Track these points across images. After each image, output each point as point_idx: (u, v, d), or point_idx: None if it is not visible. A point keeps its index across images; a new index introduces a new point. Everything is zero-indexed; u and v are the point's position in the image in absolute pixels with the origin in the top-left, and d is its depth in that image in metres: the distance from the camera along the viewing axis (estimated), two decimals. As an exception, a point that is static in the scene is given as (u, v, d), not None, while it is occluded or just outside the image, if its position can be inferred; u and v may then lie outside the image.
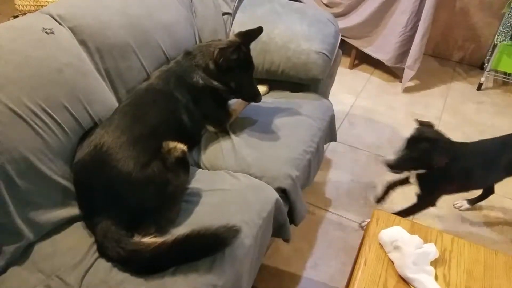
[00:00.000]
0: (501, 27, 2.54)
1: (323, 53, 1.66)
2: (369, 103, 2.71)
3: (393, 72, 2.92)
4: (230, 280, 1.08)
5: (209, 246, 1.07)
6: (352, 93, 2.80)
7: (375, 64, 2.94)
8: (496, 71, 2.83)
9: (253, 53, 1.63)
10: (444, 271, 1.09)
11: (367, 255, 1.13)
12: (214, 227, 1.06)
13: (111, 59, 1.37)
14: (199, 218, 1.19)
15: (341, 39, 2.83)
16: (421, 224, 1.22)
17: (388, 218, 1.24)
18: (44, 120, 1.14)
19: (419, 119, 1.57)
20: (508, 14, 2.47)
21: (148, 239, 1.08)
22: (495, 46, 2.66)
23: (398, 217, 1.24)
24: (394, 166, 1.45)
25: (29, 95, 1.12)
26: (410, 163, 1.46)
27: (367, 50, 2.82)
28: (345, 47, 3.00)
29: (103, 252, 1.08)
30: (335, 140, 1.92)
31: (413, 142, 1.44)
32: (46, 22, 1.27)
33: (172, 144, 1.23)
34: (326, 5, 2.83)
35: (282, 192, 1.38)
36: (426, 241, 1.14)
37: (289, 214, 1.48)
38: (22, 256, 1.08)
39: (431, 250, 1.10)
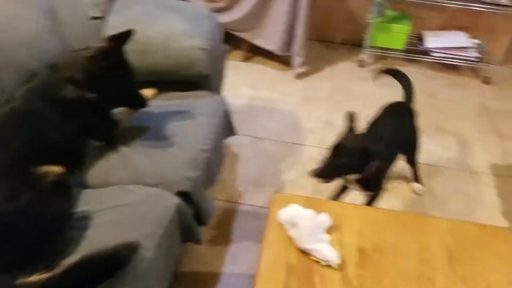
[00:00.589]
0: (372, 7, 2.78)
1: (206, 48, 1.64)
2: (266, 93, 2.79)
3: (284, 61, 3.03)
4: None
5: (104, 269, 1.00)
6: (249, 85, 2.86)
7: (267, 54, 3.01)
8: (374, 47, 3.10)
9: (133, 56, 1.55)
10: (338, 236, 1.16)
11: (269, 237, 1.17)
12: (107, 248, 1.00)
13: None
14: (92, 243, 1.10)
15: (230, 33, 2.91)
16: (314, 197, 1.29)
17: (285, 198, 1.28)
18: None
19: (349, 111, 1.54)
20: (376, -6, 2.72)
21: (34, 277, 0.96)
22: (369, 24, 2.91)
23: (295, 196, 1.30)
24: (322, 175, 1.40)
25: None
26: (339, 170, 1.45)
27: (256, 42, 2.89)
28: (235, 41, 3.05)
29: None
30: (235, 134, 1.94)
31: (339, 149, 1.41)
32: None
33: (45, 168, 1.12)
34: (208, 0, 2.85)
35: (184, 195, 1.35)
36: (320, 212, 1.20)
37: (196, 216, 1.47)
38: None
39: (325, 219, 1.16)
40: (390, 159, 1.71)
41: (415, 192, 2.11)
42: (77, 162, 1.36)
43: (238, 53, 3.12)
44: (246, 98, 2.73)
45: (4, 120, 1.22)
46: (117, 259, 1.02)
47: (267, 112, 2.62)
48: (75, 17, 1.63)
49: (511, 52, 3.12)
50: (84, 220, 1.17)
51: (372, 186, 1.66)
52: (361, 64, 3.10)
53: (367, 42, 2.98)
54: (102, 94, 1.31)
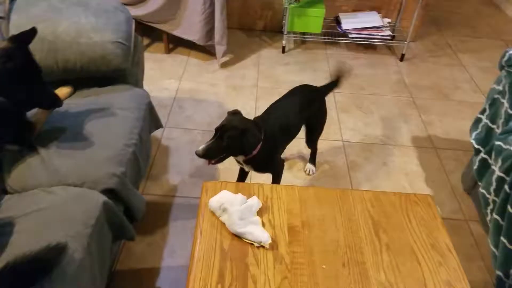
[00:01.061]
0: (286, -8, 2.85)
1: (119, 41, 1.60)
2: (192, 84, 2.78)
3: (208, 51, 3.03)
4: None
5: (31, 274, 0.96)
6: (174, 77, 2.82)
7: (190, 45, 3.00)
8: (294, 33, 3.19)
9: (42, 54, 1.49)
10: (269, 216, 1.21)
11: (202, 225, 1.18)
12: (32, 252, 0.96)
13: None
14: (16, 250, 1.04)
15: (148, 25, 2.82)
16: (244, 183, 1.32)
17: (215, 186, 1.30)
18: None
19: (229, 111, 1.61)
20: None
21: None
22: (286, 10, 2.99)
23: (225, 183, 1.32)
24: (204, 156, 1.47)
25: None
26: (221, 151, 1.50)
27: (176, 33, 2.85)
28: (156, 33, 2.98)
29: None
30: (160, 127, 1.91)
31: (221, 132, 1.47)
32: None
33: None
34: (123, -7, 2.73)
35: (110, 192, 1.32)
36: (249, 196, 1.23)
37: (127, 212, 1.45)
38: None
39: (254, 202, 1.20)
40: (280, 140, 1.73)
41: (307, 173, 2.17)
42: None
43: (160, 45, 3.05)
44: (171, 91, 2.69)
45: None
46: (43, 263, 0.98)
47: (194, 103, 2.60)
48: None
49: (420, 29, 3.38)
50: (7, 227, 1.12)
51: (265, 166, 1.71)
52: (283, 50, 3.18)
53: (286, 28, 3.06)
54: (10, 97, 1.23)
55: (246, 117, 1.60)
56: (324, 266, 1.09)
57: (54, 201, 1.22)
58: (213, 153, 1.49)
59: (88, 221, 1.18)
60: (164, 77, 2.81)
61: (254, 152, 1.56)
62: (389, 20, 3.27)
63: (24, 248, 1.02)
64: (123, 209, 1.42)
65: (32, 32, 1.29)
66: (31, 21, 1.54)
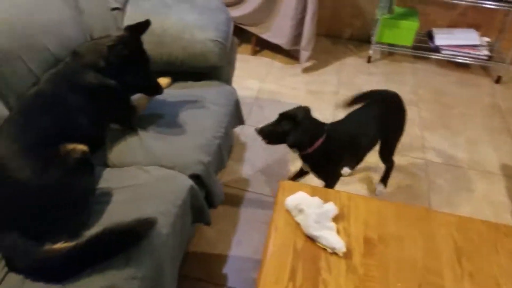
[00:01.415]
0: (380, 3, 2.81)
1: (218, 40, 1.71)
2: (273, 86, 2.85)
3: (292, 55, 3.08)
4: (150, 270, 1.09)
5: (123, 241, 1.07)
6: (257, 78, 2.91)
7: (275, 48, 3.07)
8: (382, 43, 3.14)
9: (149, 46, 1.61)
10: (344, 225, 1.21)
11: (277, 222, 1.22)
12: (126, 222, 1.07)
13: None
14: (112, 217, 1.18)
15: (240, 27, 2.95)
16: (321, 187, 1.35)
17: (292, 186, 1.34)
18: None
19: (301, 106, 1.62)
20: (384, -10, 2.75)
21: (59, 245, 1.05)
22: (377, 20, 2.95)
23: (302, 184, 1.36)
24: (261, 133, 1.56)
25: None
26: (273, 136, 1.57)
27: (265, 36, 2.94)
28: (245, 35, 3.10)
29: (12, 266, 1.03)
30: (243, 123, 2.00)
31: (281, 117, 1.54)
32: None
33: (70, 146, 1.20)
34: (220, -6, 2.89)
35: (196, 178, 1.42)
36: (326, 201, 1.25)
37: (207, 199, 1.54)
38: None
39: (331, 208, 1.21)
40: (346, 147, 1.66)
41: (375, 193, 2.07)
42: (99, 142, 1.44)
43: (247, 47, 3.17)
44: (253, 90, 2.78)
45: (31, 102, 1.30)
46: (135, 233, 1.09)
47: (273, 104, 2.67)
48: (96, 7, 1.70)
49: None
50: (106, 196, 1.25)
51: (321, 170, 1.67)
52: (368, 60, 3.14)
53: (374, 38, 3.01)
54: (120, 81, 1.38)
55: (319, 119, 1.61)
56: (399, 284, 1.06)
57: (147, 178, 1.34)
58: (269, 134, 1.57)
59: (176, 201, 1.28)
60: (248, 77, 2.91)
61: (309, 150, 1.56)
62: (488, 39, 3.07)
63: (119, 216, 1.16)
64: (204, 195, 1.52)
65: (146, 24, 1.42)
66: (143, 14, 1.71)
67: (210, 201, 1.55)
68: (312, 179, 2.06)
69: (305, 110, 1.60)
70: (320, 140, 1.55)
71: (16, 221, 1.07)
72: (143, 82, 1.44)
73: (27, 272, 1.03)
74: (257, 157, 2.27)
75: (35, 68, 1.40)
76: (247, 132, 2.41)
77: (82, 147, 1.22)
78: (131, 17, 1.73)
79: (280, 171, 2.18)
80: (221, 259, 1.75)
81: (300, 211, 1.20)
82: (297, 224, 1.21)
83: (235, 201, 2.01)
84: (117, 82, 1.38)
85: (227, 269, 1.73)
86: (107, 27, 1.68)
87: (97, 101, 1.36)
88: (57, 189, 1.13)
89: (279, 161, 2.25)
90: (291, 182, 1.36)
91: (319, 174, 1.72)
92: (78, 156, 1.19)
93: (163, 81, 1.74)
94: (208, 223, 1.56)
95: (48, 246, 1.05)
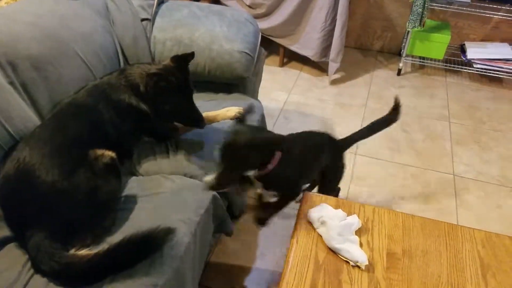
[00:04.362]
0: (411, 15, 2.77)
1: (245, 52, 1.72)
2: (301, 98, 2.84)
3: (320, 67, 3.07)
4: (171, 278, 1.10)
5: (144, 249, 1.08)
6: (284, 90, 2.92)
7: (303, 60, 3.07)
8: (412, 56, 3.08)
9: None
10: (367, 238, 1.19)
11: (299, 233, 1.21)
12: (145, 230, 1.07)
13: (26, 72, 1.34)
14: (136, 224, 1.20)
15: (268, 38, 2.97)
16: (344, 199, 1.32)
17: (315, 198, 1.32)
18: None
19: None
20: (415, 3, 2.70)
21: (82, 252, 1.07)
22: (408, 33, 2.90)
23: (325, 196, 1.34)
24: (218, 187, 1.19)
25: None
26: (235, 170, 1.19)
27: (293, 48, 2.95)
28: (273, 46, 3.12)
29: (37, 268, 1.06)
30: (267, 138, 1.99)
31: (231, 148, 1.16)
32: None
33: (100, 151, 1.23)
34: (249, 6, 2.93)
35: (219, 188, 1.43)
36: (349, 214, 1.23)
37: (229, 209, 1.54)
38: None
39: (354, 221, 1.19)
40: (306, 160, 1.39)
41: None
42: (127, 152, 1.46)
43: (275, 58, 3.19)
44: (280, 102, 2.78)
45: (66, 108, 1.34)
46: (154, 241, 1.09)
47: (300, 117, 2.66)
48: (127, 18, 1.75)
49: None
50: (131, 203, 1.27)
51: (280, 184, 1.33)
52: (399, 73, 3.08)
53: (405, 50, 2.96)
54: (157, 108, 1.38)
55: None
56: (422, 300, 1.04)
57: (171, 187, 1.35)
58: (227, 178, 1.18)
59: (198, 210, 1.29)
60: (275, 88, 2.92)
61: (270, 167, 1.22)
62: (524, 54, 2.96)
63: (142, 224, 1.17)
64: (226, 206, 1.52)
65: (191, 56, 1.40)
66: (172, 25, 1.77)
67: (232, 212, 1.55)
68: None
69: (243, 128, 1.25)
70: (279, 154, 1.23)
71: (43, 221, 1.10)
72: (183, 112, 1.41)
73: (51, 275, 1.05)
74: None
75: (67, 74, 1.45)
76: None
77: (110, 153, 1.25)
78: (159, 28, 1.78)
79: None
80: (243, 270, 1.74)
81: (323, 223, 1.19)
82: (319, 236, 1.19)
83: (258, 212, 2.00)
84: (153, 109, 1.38)
85: (249, 281, 1.71)
86: (137, 37, 1.72)
87: (128, 119, 1.38)
88: (84, 192, 1.16)
89: (304, 173, 2.23)
90: (315, 194, 1.34)
91: (279, 189, 1.38)
92: (106, 161, 1.22)
93: (231, 111, 1.57)
94: (229, 234, 1.56)
95: (72, 252, 1.08)
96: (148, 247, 1.09)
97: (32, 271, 1.07)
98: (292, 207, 2.02)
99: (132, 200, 1.29)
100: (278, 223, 1.95)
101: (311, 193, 1.33)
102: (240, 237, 1.86)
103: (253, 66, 1.80)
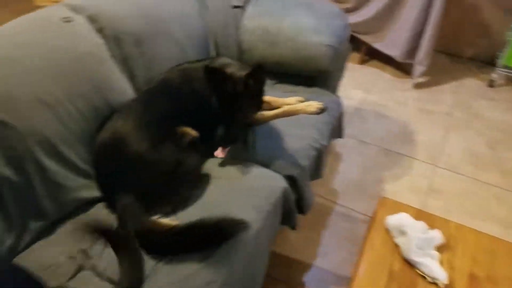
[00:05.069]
0: (513, 23, 2.54)
1: (332, 45, 1.68)
2: (379, 98, 2.73)
3: (403, 68, 2.93)
4: (242, 262, 1.13)
5: (217, 236, 1.10)
6: (362, 88, 2.82)
7: (385, 59, 2.95)
8: (509, 68, 2.82)
9: (263, 45, 1.63)
10: (448, 256, 1.12)
11: (374, 239, 1.16)
12: (221, 218, 1.09)
13: (127, 47, 1.42)
14: (209, 203, 1.23)
15: (351, 34, 2.88)
16: (426, 212, 1.24)
17: (394, 205, 1.26)
18: (67, 107, 1.20)
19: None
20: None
21: (163, 220, 1.14)
22: (507, 42, 2.65)
23: (404, 205, 1.27)
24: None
25: (53, 83, 1.19)
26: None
27: (377, 46, 2.83)
28: (354, 43, 3.01)
29: (122, 226, 1.13)
30: (341, 137, 1.95)
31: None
32: (64, 12, 1.32)
33: (186, 129, 1.29)
34: (336, 0, 2.86)
35: (291, 180, 1.41)
36: (431, 227, 1.16)
37: (297, 203, 1.52)
38: (47, 232, 1.14)
39: (436, 235, 1.12)
40: None
41: None
42: (208, 134, 1.46)
43: (355, 55, 3.09)
44: (357, 100, 2.70)
45: (159, 86, 1.41)
46: (228, 231, 1.10)
47: (377, 118, 2.56)
48: (220, 4, 1.79)
49: None
50: (204, 183, 1.31)
51: None
52: (491, 84, 2.84)
53: (501, 61, 2.72)
54: (221, 104, 1.32)
55: None
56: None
57: (245, 173, 1.36)
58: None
59: (270, 199, 1.29)
60: (353, 86, 2.83)
61: None
62: None
63: (214, 204, 1.22)
64: (295, 199, 1.50)
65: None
66: (262, 14, 1.77)
67: (300, 206, 1.53)
68: (410, 200, 1.93)
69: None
70: None
71: (131, 186, 1.18)
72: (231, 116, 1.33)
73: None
74: (350, 170, 2.19)
75: (161, 53, 1.52)
76: (343, 143, 2.34)
77: (194, 132, 1.30)
78: (249, 16, 1.79)
79: (373, 189, 2.08)
80: (303, 266, 1.72)
81: (402, 233, 1.13)
82: (396, 246, 1.14)
83: (323, 211, 1.96)
84: (219, 107, 1.32)
85: (308, 278, 1.69)
86: (227, 23, 1.76)
87: (205, 108, 1.36)
88: (169, 164, 1.23)
89: (374, 178, 2.15)
90: (393, 201, 1.28)
91: None
92: (190, 139, 1.28)
93: (291, 100, 1.56)
94: (293, 227, 1.54)
95: (154, 218, 1.14)
96: (221, 234, 1.10)
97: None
98: (357, 211, 1.97)
99: (207, 180, 1.33)
100: (342, 225, 1.90)
101: (388, 199, 1.27)
102: (303, 233, 1.84)
103: (338, 61, 1.76)
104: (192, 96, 1.38)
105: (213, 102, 1.36)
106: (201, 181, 1.32)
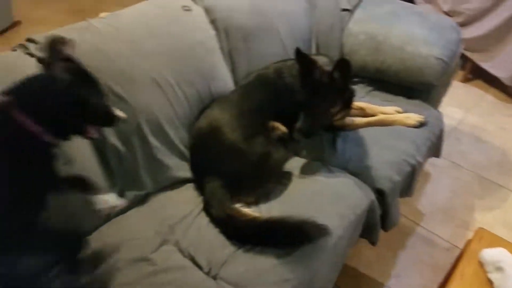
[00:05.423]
0: None
1: (442, 59, 1.59)
2: (479, 121, 2.52)
3: (509, 92, 2.68)
4: (320, 266, 1.12)
5: (296, 237, 1.10)
6: (461, 107, 2.63)
7: (490, 80, 2.72)
8: None
9: (367, 51, 1.58)
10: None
11: (465, 270, 1.09)
12: (304, 220, 1.09)
13: (235, 41, 1.47)
14: (292, 201, 1.24)
15: (459, 49, 2.70)
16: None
17: (491, 238, 1.17)
18: (176, 92, 1.29)
19: None
20: None
21: (246, 210, 1.17)
22: None
23: (503, 240, 1.17)
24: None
25: (167, 67, 1.28)
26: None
27: (485, 65, 2.62)
28: (459, 59, 2.82)
29: (207, 209, 1.19)
30: (437, 156, 1.82)
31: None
32: (184, 0, 1.41)
33: (276, 124, 1.33)
34: (446, 13, 2.68)
35: (379, 193, 1.37)
36: (534, 268, 1.05)
37: (380, 218, 1.46)
38: (140, 202, 1.23)
39: (538, 278, 1.02)
40: None
41: None
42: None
43: (458, 72, 2.88)
44: (455, 120, 2.52)
45: (256, 80, 1.45)
46: (308, 234, 1.09)
47: (474, 141, 2.37)
48: (329, 5, 1.78)
49: None
50: (288, 180, 1.32)
51: None
52: None
53: None
54: (309, 100, 1.30)
55: None
56: None
57: (330, 178, 1.34)
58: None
59: (355, 209, 1.26)
60: (451, 104, 2.63)
61: None
62: None
63: (298, 203, 1.23)
64: (380, 214, 1.44)
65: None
66: (370, 19, 1.72)
67: (384, 222, 1.47)
68: (503, 235, 1.76)
69: None
70: None
71: (221, 172, 1.24)
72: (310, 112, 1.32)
73: (215, 219, 1.16)
74: (439, 193, 2.06)
75: (265, 49, 1.55)
76: (434, 162, 2.20)
77: (284, 128, 1.34)
78: (356, 20, 1.76)
79: (461, 216, 1.93)
80: (374, 284, 1.65)
81: (499, 269, 1.05)
82: (489, 281, 1.05)
83: (403, 231, 1.86)
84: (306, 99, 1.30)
85: (378, 298, 1.62)
86: (333, 25, 1.74)
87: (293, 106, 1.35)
88: (258, 155, 1.27)
89: (463, 206, 1.99)
90: (491, 233, 1.18)
91: None
92: (280, 134, 1.32)
93: (389, 109, 1.57)
94: (374, 243, 1.49)
95: (238, 205, 1.18)
96: (302, 236, 1.09)
97: (201, 213, 1.20)
98: (441, 237, 1.84)
99: (290, 177, 1.33)
100: (422, 249, 1.79)
101: (488, 231, 1.17)
102: (378, 250, 1.76)
103: (445, 75, 1.65)
104: (284, 93, 1.39)
105: (301, 95, 1.32)
106: (285, 177, 1.34)
